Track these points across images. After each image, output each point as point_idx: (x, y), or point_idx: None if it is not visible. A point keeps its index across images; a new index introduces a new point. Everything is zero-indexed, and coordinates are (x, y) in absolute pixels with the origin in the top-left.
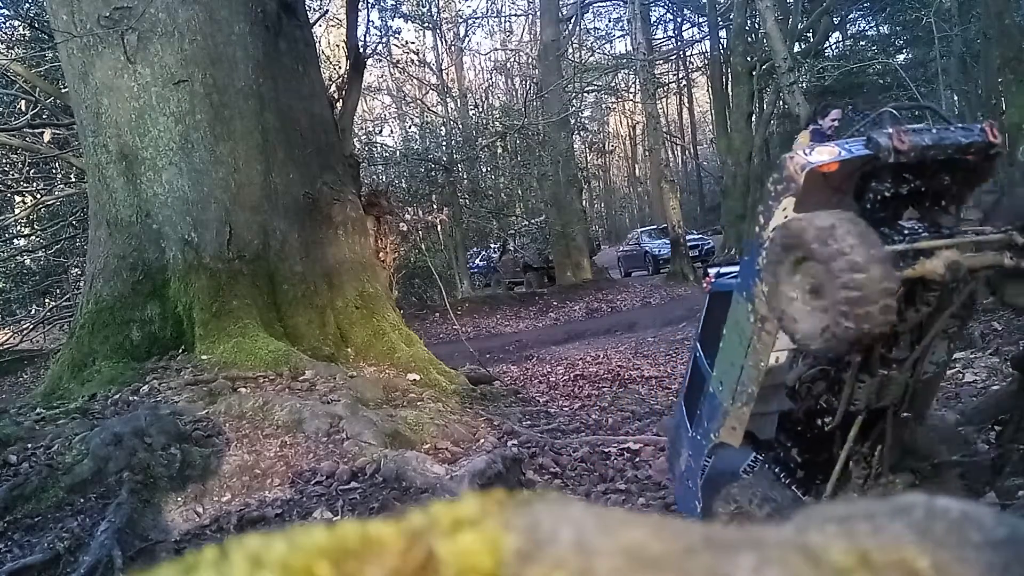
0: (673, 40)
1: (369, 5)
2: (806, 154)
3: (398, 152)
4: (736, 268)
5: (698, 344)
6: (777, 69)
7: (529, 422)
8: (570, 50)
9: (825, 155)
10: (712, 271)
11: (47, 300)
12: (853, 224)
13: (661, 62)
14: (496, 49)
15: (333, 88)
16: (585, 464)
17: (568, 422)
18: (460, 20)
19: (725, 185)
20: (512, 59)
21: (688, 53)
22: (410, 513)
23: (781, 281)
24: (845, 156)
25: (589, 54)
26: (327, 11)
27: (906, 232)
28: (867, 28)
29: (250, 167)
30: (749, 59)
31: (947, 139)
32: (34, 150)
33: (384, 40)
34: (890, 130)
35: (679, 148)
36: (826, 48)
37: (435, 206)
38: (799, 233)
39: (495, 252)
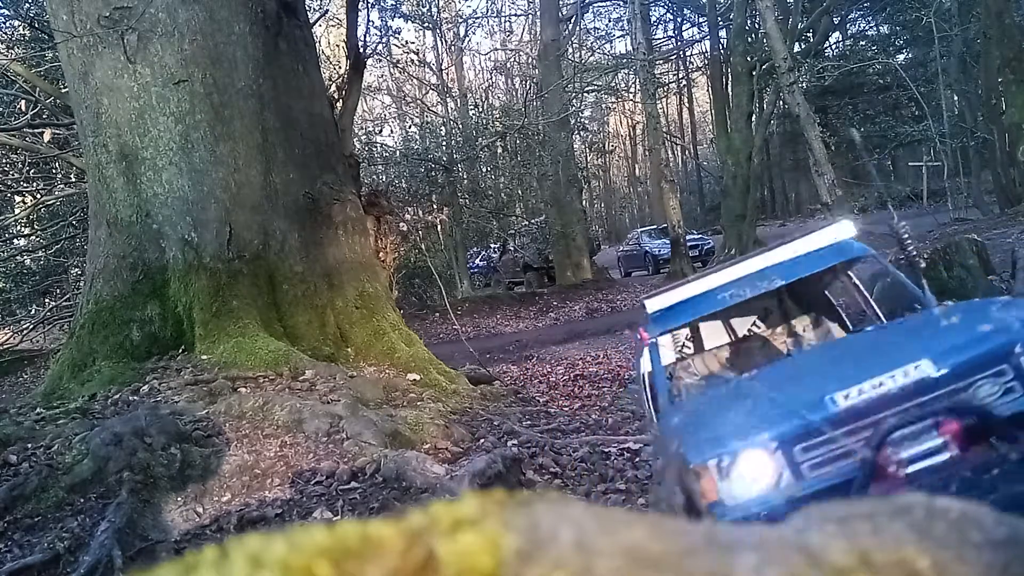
0: (673, 40)
1: (369, 5)
2: None
3: (398, 152)
4: None
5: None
6: (777, 69)
7: (529, 422)
8: (570, 50)
9: None
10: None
11: (47, 300)
12: None
13: (661, 62)
14: (496, 49)
15: (333, 88)
16: (585, 464)
17: (568, 422)
18: (460, 20)
19: (725, 185)
20: (512, 59)
21: (688, 53)
22: (410, 513)
23: None
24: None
25: (589, 54)
26: (327, 11)
27: None
28: (867, 28)
29: (250, 167)
30: (749, 59)
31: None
32: (34, 150)
33: (384, 40)
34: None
35: (679, 148)
36: (826, 48)
37: (435, 206)
38: None
39: (495, 252)
